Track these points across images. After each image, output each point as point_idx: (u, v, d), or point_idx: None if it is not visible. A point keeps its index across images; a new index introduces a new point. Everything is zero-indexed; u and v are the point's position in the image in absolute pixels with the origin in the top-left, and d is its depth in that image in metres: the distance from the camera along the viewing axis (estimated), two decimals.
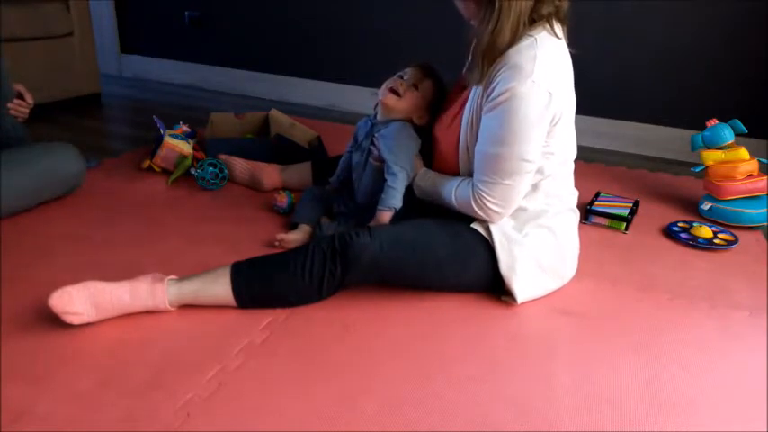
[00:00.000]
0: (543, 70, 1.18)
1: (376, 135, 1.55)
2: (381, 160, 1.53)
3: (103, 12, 3.28)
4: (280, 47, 3.03)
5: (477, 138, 1.29)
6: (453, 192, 1.35)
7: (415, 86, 1.53)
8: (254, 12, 3.01)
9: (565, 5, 1.27)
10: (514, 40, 1.20)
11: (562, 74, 1.25)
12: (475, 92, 1.29)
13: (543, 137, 1.24)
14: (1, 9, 2.32)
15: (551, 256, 1.34)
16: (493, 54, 1.21)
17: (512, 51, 1.20)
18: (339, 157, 1.73)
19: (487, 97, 1.23)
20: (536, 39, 1.21)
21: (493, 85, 1.22)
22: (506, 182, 1.26)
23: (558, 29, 1.26)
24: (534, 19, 1.22)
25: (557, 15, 1.26)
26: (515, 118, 1.20)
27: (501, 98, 1.20)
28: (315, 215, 1.62)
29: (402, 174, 1.48)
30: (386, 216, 1.46)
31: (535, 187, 1.31)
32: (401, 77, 1.54)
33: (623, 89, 2.48)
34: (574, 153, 1.39)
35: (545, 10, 1.22)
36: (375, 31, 2.80)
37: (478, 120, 1.27)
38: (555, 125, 1.25)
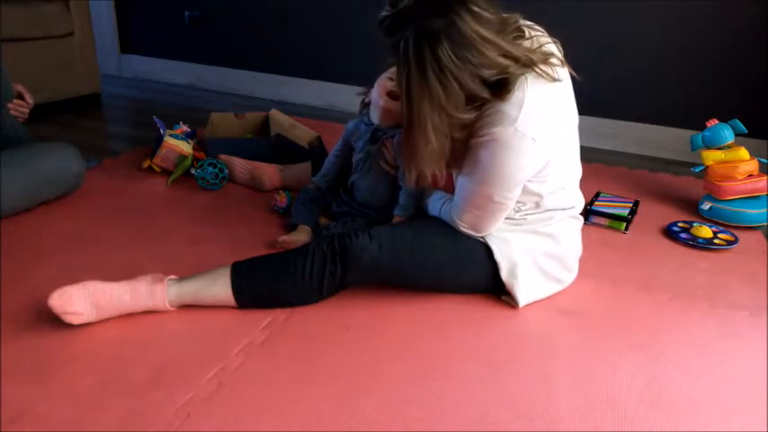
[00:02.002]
0: (529, 115, 1.13)
1: (387, 140, 1.53)
2: (395, 166, 1.53)
3: (103, 12, 3.27)
4: (280, 47, 3.03)
5: None
6: (439, 209, 1.36)
7: None
8: (254, 12, 3.01)
9: (543, 51, 1.17)
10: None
11: (552, 116, 1.20)
12: None
13: (521, 182, 1.22)
14: (1, 9, 2.32)
15: (552, 262, 1.34)
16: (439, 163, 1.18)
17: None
18: None
19: (473, 134, 1.19)
20: (527, 78, 1.14)
21: (479, 124, 1.17)
22: (475, 212, 1.26)
23: (551, 70, 1.17)
24: (489, 97, 1.13)
25: (543, 61, 1.16)
26: (491, 162, 1.18)
27: (483, 140, 1.17)
28: (313, 216, 1.62)
29: None
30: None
31: (537, 205, 1.30)
32: (392, 80, 1.52)
33: (623, 89, 2.48)
34: (577, 170, 1.37)
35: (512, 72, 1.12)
36: (375, 30, 2.79)
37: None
38: (546, 164, 1.22)
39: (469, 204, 1.25)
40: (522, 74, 1.13)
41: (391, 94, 1.51)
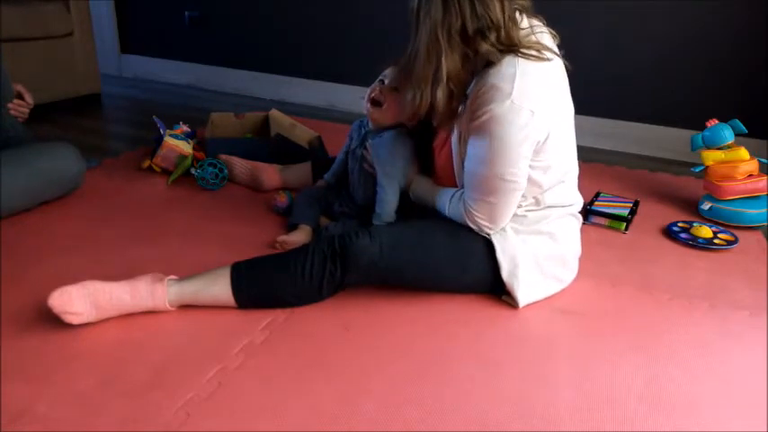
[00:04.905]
0: (523, 89, 1.15)
1: (368, 144, 1.53)
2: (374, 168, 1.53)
3: (103, 12, 3.28)
4: (280, 47, 3.03)
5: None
6: (447, 205, 1.35)
7: (396, 89, 1.46)
8: (254, 12, 3.01)
9: (529, 39, 1.20)
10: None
11: (547, 91, 1.22)
12: (462, 110, 1.26)
13: (527, 156, 1.22)
14: (1, 9, 2.32)
15: (552, 262, 1.34)
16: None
17: (492, 71, 1.17)
18: None
19: (470, 118, 1.21)
20: (517, 54, 1.17)
21: (474, 105, 1.19)
22: (490, 199, 1.25)
23: (536, 52, 1.19)
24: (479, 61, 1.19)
25: (527, 47, 1.19)
26: (494, 139, 1.18)
27: (481, 120, 1.18)
28: (314, 216, 1.62)
29: (391, 186, 1.48)
30: None
31: (537, 201, 1.31)
32: (382, 82, 1.50)
33: (623, 89, 2.48)
34: (575, 166, 1.37)
35: (484, 47, 1.17)
36: (375, 30, 2.80)
37: (467, 139, 1.26)
38: (545, 141, 1.22)
39: (483, 192, 1.25)
40: (494, 53, 1.17)
41: (373, 101, 1.50)
